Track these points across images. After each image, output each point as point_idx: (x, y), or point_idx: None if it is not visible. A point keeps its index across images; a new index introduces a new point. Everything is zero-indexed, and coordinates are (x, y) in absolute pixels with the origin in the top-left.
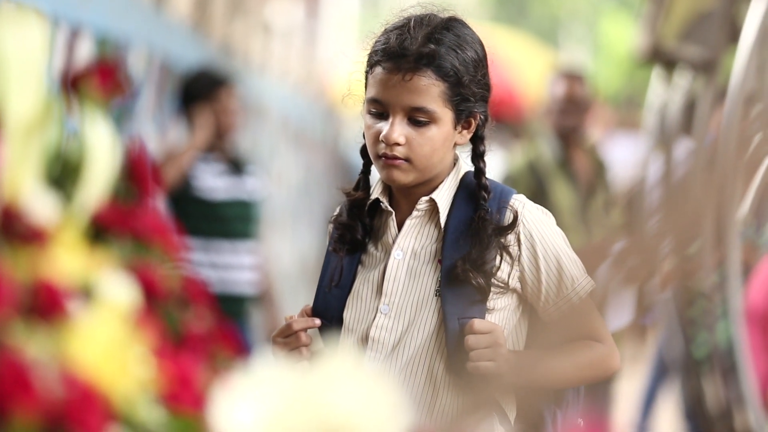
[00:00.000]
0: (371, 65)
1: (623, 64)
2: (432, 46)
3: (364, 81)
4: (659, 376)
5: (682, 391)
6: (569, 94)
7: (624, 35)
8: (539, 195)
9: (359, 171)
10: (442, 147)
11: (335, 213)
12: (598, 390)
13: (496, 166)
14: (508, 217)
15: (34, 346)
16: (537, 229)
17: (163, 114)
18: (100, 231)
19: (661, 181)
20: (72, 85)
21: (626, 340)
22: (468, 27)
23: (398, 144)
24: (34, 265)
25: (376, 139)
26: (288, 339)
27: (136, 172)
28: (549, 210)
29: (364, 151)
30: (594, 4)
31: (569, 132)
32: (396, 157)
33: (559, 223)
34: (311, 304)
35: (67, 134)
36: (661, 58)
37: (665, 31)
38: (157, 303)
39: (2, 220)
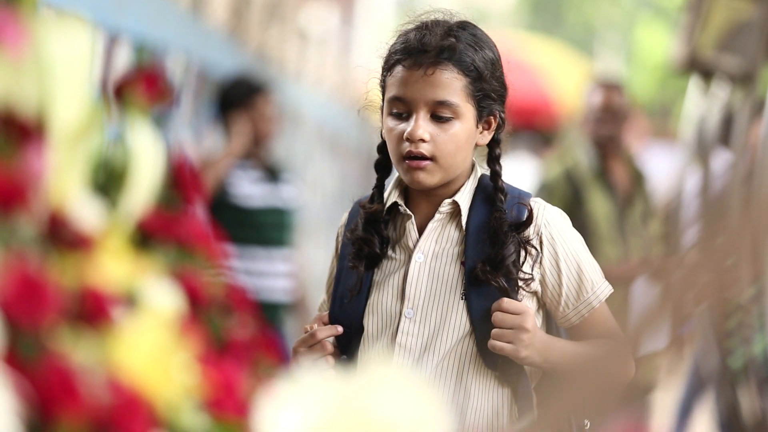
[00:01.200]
0: (389, 67)
1: (658, 73)
2: (452, 40)
3: (380, 89)
4: (695, 387)
5: (718, 402)
6: (606, 104)
7: (659, 44)
8: (576, 204)
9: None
10: (465, 145)
11: (342, 221)
12: (636, 401)
13: (530, 174)
14: (526, 215)
15: (80, 353)
16: (558, 232)
17: (199, 121)
18: (145, 238)
19: (699, 194)
20: (116, 92)
21: (663, 351)
22: (481, 30)
23: (423, 140)
24: (79, 272)
25: (400, 139)
26: (312, 348)
27: (179, 180)
28: (585, 220)
29: (378, 166)
30: (629, 13)
31: (606, 141)
32: (423, 157)
33: (595, 234)
34: (325, 312)
35: (111, 141)
36: (698, 68)
37: (702, 41)
38: (200, 310)
39: (49, 226)
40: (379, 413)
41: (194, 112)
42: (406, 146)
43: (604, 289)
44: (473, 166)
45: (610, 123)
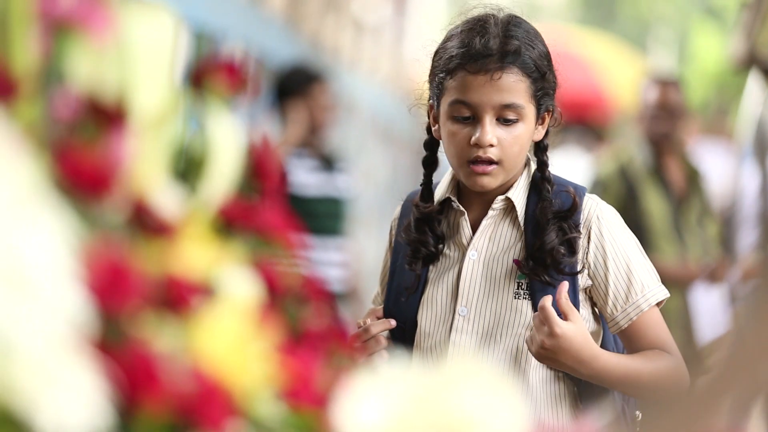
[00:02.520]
0: (449, 71)
1: (711, 70)
2: (516, 43)
3: (435, 89)
4: None
5: None
6: (663, 101)
7: (712, 43)
8: (630, 201)
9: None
10: (527, 145)
11: (396, 215)
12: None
13: (583, 169)
14: (571, 202)
15: (161, 340)
16: (608, 229)
17: (256, 109)
18: (225, 226)
19: (758, 197)
20: (195, 79)
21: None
22: (527, 22)
23: (492, 145)
24: (161, 259)
25: (467, 144)
26: (367, 343)
27: (258, 168)
28: (640, 217)
29: (426, 162)
30: (683, 9)
31: (662, 139)
32: (490, 161)
33: (651, 231)
34: (376, 306)
35: (191, 128)
36: (757, 65)
37: (762, 39)
38: (277, 299)
39: (132, 213)
40: (459, 407)
41: (251, 100)
42: (474, 151)
43: (657, 292)
44: (527, 161)
45: (665, 120)
